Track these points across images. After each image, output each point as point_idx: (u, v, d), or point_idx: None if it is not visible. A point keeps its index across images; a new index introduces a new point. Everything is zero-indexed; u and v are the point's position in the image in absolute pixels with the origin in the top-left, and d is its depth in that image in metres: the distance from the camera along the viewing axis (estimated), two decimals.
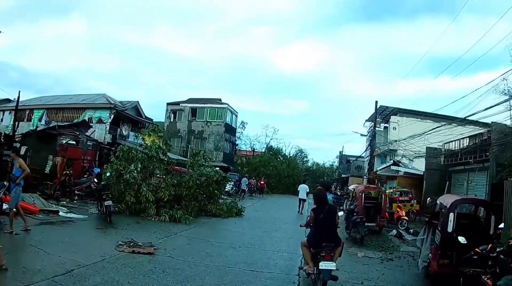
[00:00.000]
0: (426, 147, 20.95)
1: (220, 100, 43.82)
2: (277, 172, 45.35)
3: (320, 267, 5.68)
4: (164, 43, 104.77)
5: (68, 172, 16.36)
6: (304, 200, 20.00)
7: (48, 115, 29.09)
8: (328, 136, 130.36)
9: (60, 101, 31.04)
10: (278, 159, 50.55)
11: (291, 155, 56.85)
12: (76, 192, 15.71)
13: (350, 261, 8.81)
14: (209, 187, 15.19)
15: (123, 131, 28.80)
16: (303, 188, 20.38)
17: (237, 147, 50.04)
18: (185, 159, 21.34)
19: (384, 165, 26.26)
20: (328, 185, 20.63)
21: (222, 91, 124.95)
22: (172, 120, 43.45)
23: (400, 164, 23.26)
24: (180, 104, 43.32)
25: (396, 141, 22.66)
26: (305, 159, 59.93)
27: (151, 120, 33.98)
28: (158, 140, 21.54)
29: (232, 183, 28.24)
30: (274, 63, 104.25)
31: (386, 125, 35.48)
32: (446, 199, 8.07)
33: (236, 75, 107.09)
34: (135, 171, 13.97)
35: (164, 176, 14.93)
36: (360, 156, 40.22)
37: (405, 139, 21.33)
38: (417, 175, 21.98)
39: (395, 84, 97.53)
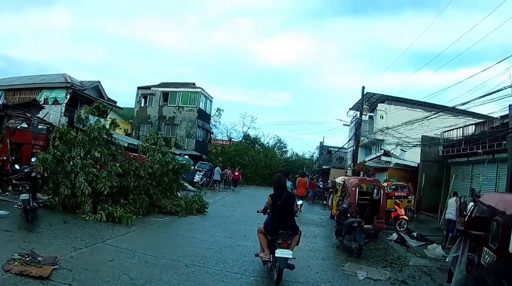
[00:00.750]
0: (422, 136, 18.43)
1: (194, 84, 40.72)
2: (254, 162, 42.84)
3: (276, 255, 5.48)
4: (149, 35, 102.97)
5: (6, 157, 13.48)
6: None
7: (6, 97, 25.69)
8: (309, 124, 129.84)
9: (20, 82, 27.99)
10: (255, 149, 47.96)
11: (269, 145, 54.26)
12: (14, 181, 12.75)
13: None
14: (163, 178, 12.22)
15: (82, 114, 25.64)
16: None
17: (212, 135, 46.96)
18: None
19: (374, 156, 23.68)
20: (288, 173, 18.72)
21: (207, 82, 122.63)
22: (142, 105, 39.91)
23: (391, 154, 20.65)
24: (152, 88, 39.80)
25: (388, 128, 20.00)
26: (284, 150, 57.38)
27: (115, 102, 30.65)
28: (105, 120, 18.53)
29: (202, 173, 25.55)
30: (259, 55, 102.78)
31: (371, 114, 33.28)
32: (499, 201, 5.36)
33: (221, 67, 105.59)
34: (78, 157, 11.28)
35: (110, 163, 11.88)
36: (342, 147, 38.28)
37: (399, 126, 18.69)
38: (410, 167, 19.46)
39: (378, 77, 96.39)
